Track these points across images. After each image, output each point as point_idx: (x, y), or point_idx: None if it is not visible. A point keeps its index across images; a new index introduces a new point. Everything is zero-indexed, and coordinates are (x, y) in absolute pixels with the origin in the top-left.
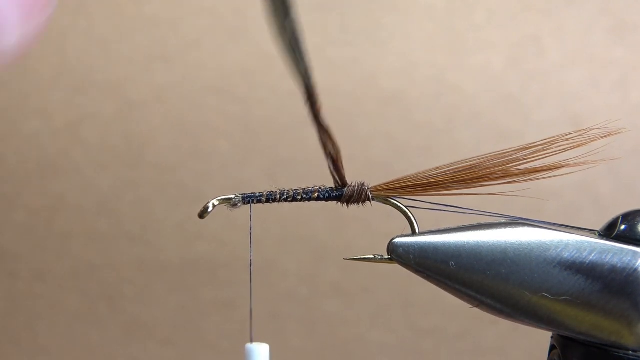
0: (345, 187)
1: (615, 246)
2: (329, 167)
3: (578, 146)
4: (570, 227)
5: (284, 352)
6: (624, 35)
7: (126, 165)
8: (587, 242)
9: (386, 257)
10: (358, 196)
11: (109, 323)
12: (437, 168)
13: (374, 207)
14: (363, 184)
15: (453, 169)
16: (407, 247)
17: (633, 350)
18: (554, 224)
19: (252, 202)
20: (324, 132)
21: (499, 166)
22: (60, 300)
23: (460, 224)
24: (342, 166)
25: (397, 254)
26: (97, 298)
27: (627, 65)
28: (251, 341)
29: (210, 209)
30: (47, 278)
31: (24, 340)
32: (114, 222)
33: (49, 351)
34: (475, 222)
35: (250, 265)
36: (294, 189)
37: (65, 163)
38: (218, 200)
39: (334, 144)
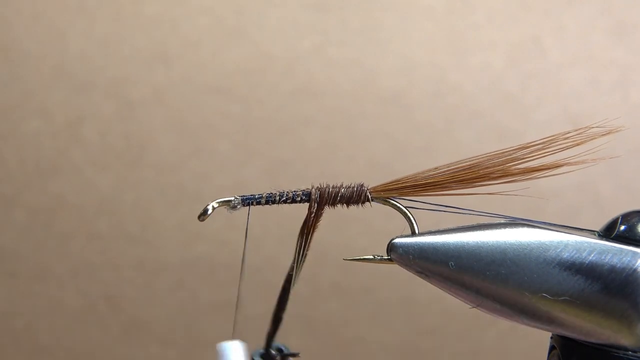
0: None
1: (614, 246)
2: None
3: (577, 145)
4: (570, 227)
5: None
6: (624, 35)
7: (126, 165)
8: (587, 243)
9: (386, 257)
10: (357, 197)
11: (109, 323)
12: (437, 168)
13: (374, 208)
14: (362, 185)
15: (452, 169)
16: (406, 248)
17: (633, 351)
18: (553, 224)
19: (252, 204)
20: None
21: (498, 166)
22: (60, 300)
23: (460, 225)
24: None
25: (396, 255)
26: (97, 298)
27: (627, 65)
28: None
29: (209, 212)
30: (47, 278)
31: (24, 340)
32: (114, 222)
33: (49, 351)
34: (474, 223)
35: (242, 266)
36: (293, 190)
37: (65, 163)
38: (217, 202)
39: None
